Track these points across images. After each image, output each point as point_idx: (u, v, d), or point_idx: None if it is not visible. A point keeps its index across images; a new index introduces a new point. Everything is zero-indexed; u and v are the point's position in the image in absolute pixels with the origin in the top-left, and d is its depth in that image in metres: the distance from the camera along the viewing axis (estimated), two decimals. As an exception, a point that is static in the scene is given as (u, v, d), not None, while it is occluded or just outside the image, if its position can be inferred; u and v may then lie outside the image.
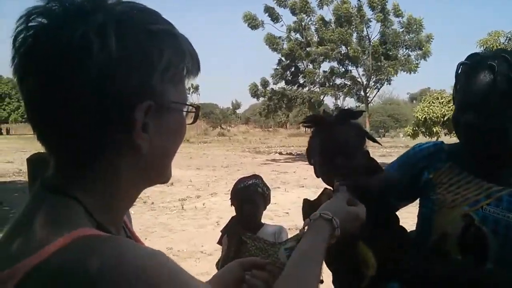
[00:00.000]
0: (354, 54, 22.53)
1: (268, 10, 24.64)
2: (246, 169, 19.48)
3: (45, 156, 0.78)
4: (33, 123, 0.74)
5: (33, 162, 2.55)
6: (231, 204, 2.53)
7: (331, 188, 1.38)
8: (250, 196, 2.47)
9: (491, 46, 19.05)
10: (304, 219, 1.31)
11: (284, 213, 9.09)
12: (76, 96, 0.69)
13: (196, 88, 59.05)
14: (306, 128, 1.50)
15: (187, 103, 0.84)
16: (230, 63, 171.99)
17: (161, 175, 0.87)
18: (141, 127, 0.74)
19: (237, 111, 72.81)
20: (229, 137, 52.45)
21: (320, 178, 1.46)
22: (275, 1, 24.36)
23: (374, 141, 1.44)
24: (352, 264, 1.28)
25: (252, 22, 24.54)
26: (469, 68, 1.40)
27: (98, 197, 0.76)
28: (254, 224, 2.48)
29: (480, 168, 1.41)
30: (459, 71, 1.44)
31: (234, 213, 2.67)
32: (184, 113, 0.84)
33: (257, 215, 2.49)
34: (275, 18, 25.02)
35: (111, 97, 0.70)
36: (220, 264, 2.57)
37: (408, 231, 1.51)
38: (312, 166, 1.47)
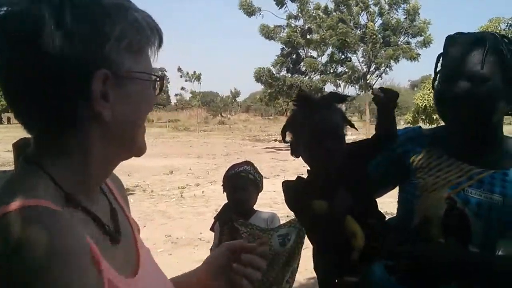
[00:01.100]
0: (352, 41, 22.38)
1: None
2: (246, 157, 19.37)
3: (29, 141, 0.83)
4: (8, 101, 0.79)
5: (19, 147, 2.57)
6: (223, 191, 2.52)
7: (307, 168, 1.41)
8: (241, 182, 2.47)
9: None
10: (289, 203, 1.40)
11: (282, 201, 9.03)
12: (38, 70, 0.74)
13: (198, 77, 58.68)
14: None
15: (152, 73, 0.86)
16: (231, 52, 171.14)
17: (131, 146, 0.89)
18: (100, 95, 0.77)
19: (237, 99, 72.63)
20: (229, 125, 52.35)
21: (298, 157, 1.44)
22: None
23: (352, 126, 1.42)
24: (342, 236, 1.28)
25: (248, 9, 24.32)
26: (460, 40, 1.40)
27: (68, 169, 0.80)
28: (246, 210, 2.48)
29: (460, 150, 1.41)
30: (448, 44, 1.44)
31: None
32: (148, 83, 0.85)
33: (249, 201, 2.48)
34: (279, 2, 24.79)
35: (68, 68, 0.74)
36: (212, 251, 2.57)
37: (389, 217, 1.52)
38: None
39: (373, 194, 1.45)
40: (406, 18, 23.42)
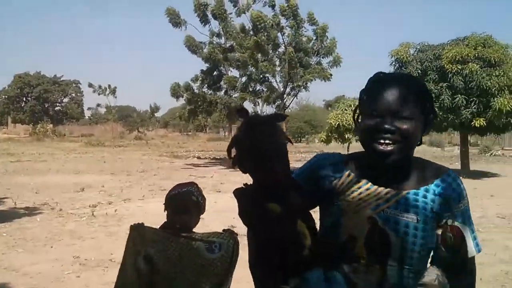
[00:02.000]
0: (266, 68, 22.79)
1: (198, 10, 24.32)
2: (163, 174, 19.20)
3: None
4: None
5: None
6: (164, 210, 2.44)
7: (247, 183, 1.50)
8: (183, 204, 2.38)
9: (402, 56, 20.04)
10: (244, 208, 1.49)
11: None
12: None
13: (113, 91, 57.25)
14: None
15: None
16: (150, 65, 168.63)
17: None
18: None
19: (156, 114, 71.55)
20: (146, 141, 51.44)
21: (245, 173, 1.49)
22: (196, 5, 24.15)
23: (291, 142, 1.50)
24: (294, 235, 1.43)
25: (175, 19, 24.08)
26: (386, 80, 1.54)
27: None
28: (185, 232, 2.39)
29: (378, 175, 1.54)
30: (372, 82, 1.58)
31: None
32: None
33: (189, 223, 2.40)
34: (203, 20, 24.76)
35: None
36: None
37: None
38: (229, 168, 1.53)
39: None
40: (316, 39, 24.22)
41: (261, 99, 25.26)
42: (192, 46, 24.26)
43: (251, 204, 1.47)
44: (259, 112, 26.37)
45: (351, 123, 19.33)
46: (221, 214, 7.73)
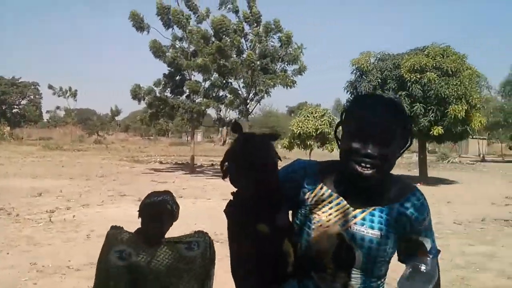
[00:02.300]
0: (232, 66, 22.81)
1: (162, 13, 24.11)
2: (123, 179, 18.92)
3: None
4: None
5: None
6: (139, 217, 2.43)
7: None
8: (158, 213, 2.42)
9: (362, 65, 20.42)
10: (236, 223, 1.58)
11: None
12: None
13: (74, 94, 56.03)
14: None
15: None
16: (113, 69, 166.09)
17: None
18: None
19: (117, 118, 70.39)
20: (106, 145, 50.59)
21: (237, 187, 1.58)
22: (159, 8, 23.95)
23: (280, 159, 1.60)
24: (282, 252, 1.56)
25: (138, 22, 23.83)
26: (369, 104, 1.62)
27: None
28: (158, 240, 2.43)
29: (348, 192, 1.63)
30: (356, 104, 1.67)
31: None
32: None
33: (162, 230, 2.45)
34: (166, 24, 24.56)
35: None
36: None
37: None
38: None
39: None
40: (281, 46, 24.39)
41: (224, 104, 25.24)
42: (157, 50, 24.06)
43: (243, 225, 1.56)
44: (222, 117, 26.47)
45: (312, 130, 19.59)
46: (183, 219, 7.66)
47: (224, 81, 25.26)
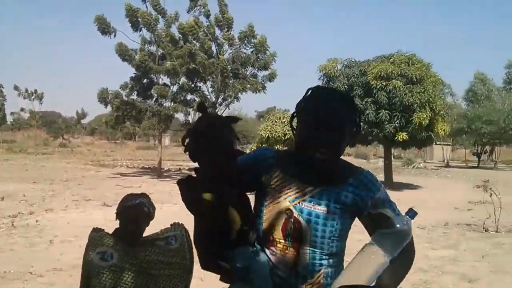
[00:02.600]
0: (206, 66, 22.72)
1: (131, 16, 23.87)
2: (88, 183, 18.63)
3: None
4: None
5: None
6: (116, 218, 2.50)
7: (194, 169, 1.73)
8: (135, 215, 2.48)
9: (330, 71, 20.66)
10: (184, 196, 1.69)
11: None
12: None
13: (40, 96, 54.95)
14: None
15: None
16: (79, 71, 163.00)
17: None
18: None
19: (83, 121, 69.25)
20: (71, 148, 49.69)
21: (195, 162, 1.72)
22: (128, 10, 23.72)
23: (240, 141, 1.78)
24: (225, 221, 1.65)
25: (104, 27, 23.54)
26: (321, 94, 1.79)
27: None
28: (135, 241, 2.50)
29: (300, 173, 1.79)
30: (309, 96, 1.81)
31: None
32: None
33: (140, 232, 2.52)
34: (134, 26, 24.34)
35: None
36: None
37: None
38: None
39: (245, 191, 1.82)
40: (253, 52, 24.48)
41: (193, 108, 25.14)
42: (124, 53, 23.80)
43: (189, 193, 1.68)
44: (190, 120, 26.32)
45: (280, 134, 19.67)
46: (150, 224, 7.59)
47: (193, 85, 25.19)
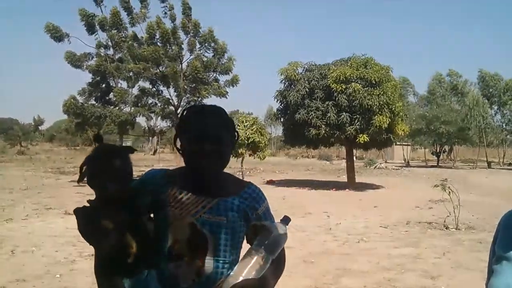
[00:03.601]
0: (170, 71, 22.65)
1: (84, 20, 23.54)
2: (48, 191, 18.21)
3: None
4: None
5: None
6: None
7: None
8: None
9: (290, 74, 20.84)
10: (82, 225, 1.76)
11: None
12: None
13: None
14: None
15: None
16: (36, 77, 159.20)
17: None
18: None
19: (40, 127, 67.65)
20: (30, 156, 48.43)
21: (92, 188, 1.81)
22: (81, 17, 23.42)
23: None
24: (123, 246, 1.75)
25: (56, 34, 23.14)
26: (204, 112, 1.95)
27: None
28: None
29: (195, 186, 1.91)
30: (194, 113, 1.95)
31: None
32: None
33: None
34: (90, 29, 24.01)
35: None
36: None
37: None
38: None
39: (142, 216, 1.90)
40: (214, 56, 24.50)
41: (155, 113, 24.95)
42: (74, 60, 23.46)
43: (90, 221, 1.76)
44: (152, 125, 26.13)
45: (243, 138, 19.72)
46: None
47: (155, 89, 25.02)
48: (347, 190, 20.47)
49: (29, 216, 11.80)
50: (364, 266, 7.31)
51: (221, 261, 1.89)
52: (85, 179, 1.80)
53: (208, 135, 1.87)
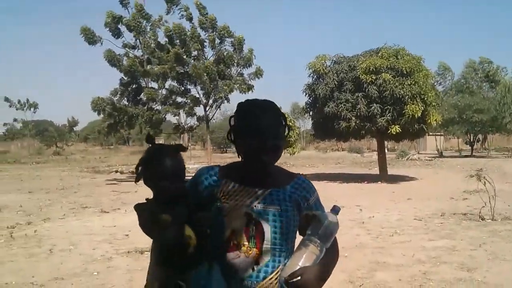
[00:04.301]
0: (195, 71, 22.83)
1: (108, 25, 23.90)
2: (84, 190, 18.59)
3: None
4: None
5: None
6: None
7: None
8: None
9: (319, 68, 20.71)
10: (142, 219, 1.90)
11: (124, 236, 8.80)
12: None
13: (34, 106, 54.74)
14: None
15: None
16: (68, 79, 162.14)
17: None
18: None
19: (75, 128, 68.82)
20: (65, 156, 49.50)
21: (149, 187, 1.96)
22: (110, 18, 23.73)
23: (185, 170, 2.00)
24: (183, 238, 1.81)
25: (90, 37, 23.55)
26: (260, 107, 1.99)
27: None
28: None
29: (248, 179, 1.99)
30: (249, 108, 2.00)
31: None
32: None
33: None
34: (116, 34, 24.35)
35: None
36: None
37: None
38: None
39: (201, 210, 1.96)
40: (234, 50, 24.55)
41: (184, 111, 25.16)
42: (112, 59, 23.79)
43: (150, 215, 1.86)
44: (182, 123, 26.36)
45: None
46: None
47: (183, 88, 25.22)
48: (379, 182, 20.26)
49: (66, 215, 12.09)
50: (398, 259, 7.24)
51: (277, 250, 1.94)
52: (141, 179, 1.95)
53: (269, 131, 1.92)
